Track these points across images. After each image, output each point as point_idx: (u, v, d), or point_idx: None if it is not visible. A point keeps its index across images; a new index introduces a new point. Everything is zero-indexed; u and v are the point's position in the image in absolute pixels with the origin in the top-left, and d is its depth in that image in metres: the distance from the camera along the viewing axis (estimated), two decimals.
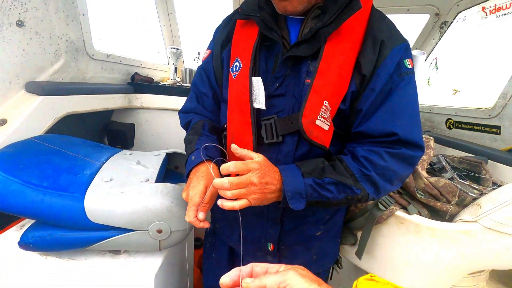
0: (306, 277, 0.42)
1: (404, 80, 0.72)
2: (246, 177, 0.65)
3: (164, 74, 2.26)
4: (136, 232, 0.91)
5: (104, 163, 1.08)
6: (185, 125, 0.95)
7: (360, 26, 0.72)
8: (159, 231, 0.92)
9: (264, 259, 0.91)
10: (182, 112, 0.98)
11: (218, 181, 0.65)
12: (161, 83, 2.05)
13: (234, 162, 0.65)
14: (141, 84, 1.91)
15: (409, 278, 0.89)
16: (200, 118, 0.91)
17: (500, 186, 1.02)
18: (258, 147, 0.77)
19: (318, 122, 0.70)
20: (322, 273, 0.99)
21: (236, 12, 0.89)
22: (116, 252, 0.99)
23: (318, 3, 0.75)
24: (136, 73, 1.90)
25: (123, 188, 0.94)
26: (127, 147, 1.97)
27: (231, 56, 0.84)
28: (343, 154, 0.79)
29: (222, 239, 1.02)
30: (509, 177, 1.24)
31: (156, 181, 1.02)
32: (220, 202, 0.66)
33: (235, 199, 0.66)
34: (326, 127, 0.72)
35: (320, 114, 0.69)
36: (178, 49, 1.99)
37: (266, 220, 0.87)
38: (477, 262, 0.80)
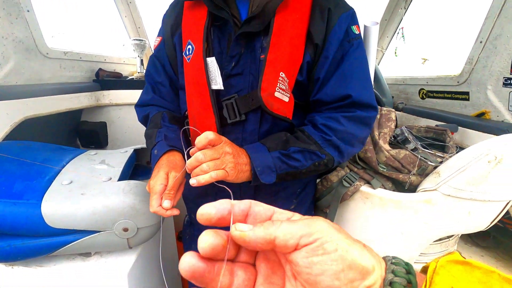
0: (343, 233, 0.26)
1: (353, 45, 0.75)
2: (219, 147, 0.63)
3: (133, 68, 2.18)
4: (101, 233, 0.89)
5: (64, 166, 1.04)
6: (143, 119, 0.92)
7: None
8: (125, 230, 0.90)
9: None
10: (138, 106, 0.94)
11: (192, 158, 0.62)
12: (130, 77, 1.98)
13: (207, 132, 0.62)
14: (107, 80, 1.84)
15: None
16: (158, 110, 0.88)
17: (460, 148, 1.02)
18: (222, 129, 0.77)
19: (277, 94, 0.71)
20: None
21: None
22: (86, 254, 0.98)
23: None
24: (100, 69, 1.83)
25: (84, 190, 0.91)
26: (101, 146, 1.92)
27: (183, 39, 0.82)
28: (303, 125, 0.80)
29: (200, 228, 1.00)
30: (478, 141, 1.25)
31: (120, 179, 0.99)
32: (193, 181, 0.63)
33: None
34: (286, 99, 0.73)
35: (278, 86, 0.71)
36: (142, 40, 1.91)
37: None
38: (441, 229, 0.81)
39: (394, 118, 0.90)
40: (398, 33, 1.64)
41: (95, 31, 1.91)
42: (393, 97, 1.91)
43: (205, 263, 0.29)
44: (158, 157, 0.74)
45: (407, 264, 0.27)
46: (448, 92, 1.53)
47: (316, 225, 0.25)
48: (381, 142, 0.85)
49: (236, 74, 0.76)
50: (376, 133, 0.88)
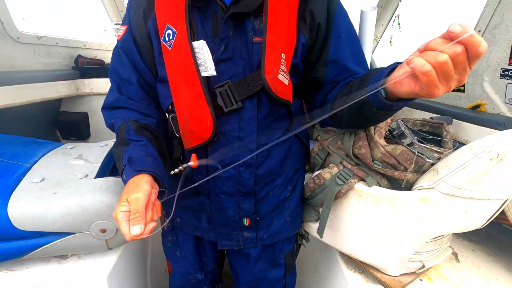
0: None
1: (353, 27, 0.78)
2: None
3: None
4: (76, 234, 0.82)
5: (36, 161, 0.96)
6: (110, 127, 0.82)
7: None
8: (103, 231, 0.83)
9: (240, 236, 0.87)
10: (104, 109, 0.84)
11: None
12: None
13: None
14: (87, 67, 1.73)
15: (372, 250, 0.87)
16: (123, 119, 0.78)
17: (459, 144, 0.99)
18: (217, 119, 0.71)
19: (280, 76, 0.69)
20: (293, 237, 0.98)
21: None
22: (62, 256, 0.91)
23: None
24: (79, 56, 1.71)
25: (56, 188, 0.83)
26: (82, 138, 1.83)
27: (158, 24, 0.73)
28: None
29: (187, 232, 0.94)
30: (473, 135, 1.22)
31: (98, 176, 0.92)
32: None
33: None
34: (286, 82, 0.71)
35: (281, 67, 0.68)
36: None
37: (238, 196, 0.82)
38: (437, 228, 0.77)
39: None
40: (394, 21, 1.58)
41: (72, 14, 1.78)
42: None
43: None
44: (125, 183, 0.66)
45: None
46: None
47: None
48: (376, 137, 0.80)
49: (226, 59, 0.71)
50: (371, 128, 0.82)
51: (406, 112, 1.62)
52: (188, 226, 0.92)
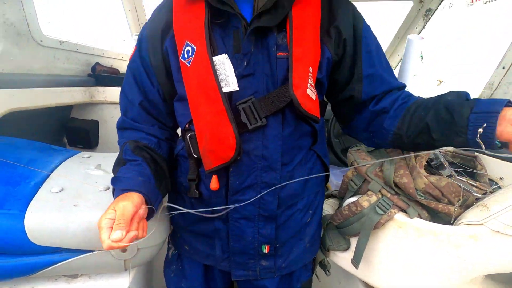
0: None
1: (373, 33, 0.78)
2: None
3: None
4: (94, 252, 0.76)
5: (54, 169, 0.90)
6: (121, 143, 0.82)
7: None
8: (124, 250, 0.76)
9: (257, 266, 0.80)
10: (117, 129, 0.84)
11: None
12: None
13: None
14: (103, 75, 1.70)
15: (406, 286, 0.82)
16: (127, 139, 0.78)
17: (494, 182, 0.97)
18: (240, 137, 0.67)
19: (308, 91, 0.67)
20: (309, 265, 0.92)
21: None
22: (72, 276, 0.83)
23: None
24: (97, 63, 1.69)
25: (77, 200, 0.77)
26: (90, 147, 1.77)
27: (177, 42, 0.71)
28: (405, 102, 0.75)
29: (195, 260, 0.87)
30: (496, 169, 1.21)
31: None
32: None
33: None
34: (313, 97, 0.70)
35: (309, 82, 0.67)
36: None
37: (258, 221, 0.76)
38: (482, 267, 0.73)
39: None
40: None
41: (95, 22, 1.78)
42: None
43: None
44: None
45: None
46: None
47: None
48: (418, 167, 0.77)
49: (248, 74, 0.68)
50: (413, 156, 0.80)
51: None
52: (198, 254, 0.85)
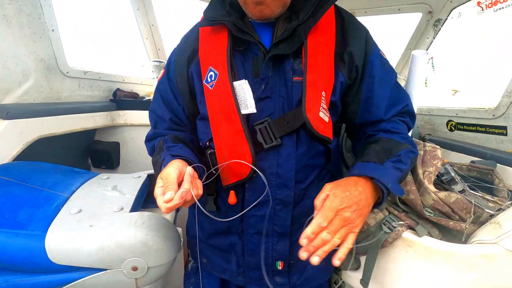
0: None
1: (389, 68, 0.81)
2: (340, 219, 0.59)
3: (150, 88, 2.16)
4: (107, 271, 0.80)
5: (74, 191, 0.97)
6: (151, 151, 0.88)
7: (331, 19, 0.76)
8: (134, 269, 0.80)
9: (272, 281, 0.81)
10: (146, 142, 0.92)
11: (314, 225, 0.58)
12: (146, 98, 1.96)
13: (320, 214, 0.58)
14: (124, 100, 1.81)
15: None
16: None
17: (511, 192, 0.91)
18: (256, 156, 0.71)
19: (320, 114, 0.70)
20: (324, 284, 0.91)
21: (196, 25, 0.85)
22: None
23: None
24: (118, 89, 1.81)
25: (92, 221, 0.82)
26: (112, 167, 1.86)
27: (201, 67, 0.78)
28: (369, 136, 0.81)
29: (213, 274, 0.90)
30: None
31: (132, 210, 0.91)
32: (304, 254, 0.60)
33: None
34: (326, 119, 0.73)
35: (321, 105, 0.70)
36: (162, 62, 1.91)
37: (272, 237, 0.78)
38: None
39: (440, 156, 0.81)
40: (428, 63, 1.59)
41: (115, 50, 1.92)
42: (417, 127, 1.82)
43: None
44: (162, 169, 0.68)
45: None
46: (481, 126, 1.43)
47: None
48: (426, 183, 0.75)
49: (265, 97, 0.74)
50: (420, 171, 0.78)
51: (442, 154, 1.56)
52: (215, 268, 0.88)
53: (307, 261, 0.83)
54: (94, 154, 1.83)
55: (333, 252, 0.91)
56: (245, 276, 0.82)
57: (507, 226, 0.65)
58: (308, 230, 0.57)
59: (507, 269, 0.65)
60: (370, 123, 0.81)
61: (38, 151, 1.30)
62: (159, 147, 0.79)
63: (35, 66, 1.24)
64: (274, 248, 0.79)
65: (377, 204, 0.67)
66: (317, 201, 0.62)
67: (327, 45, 0.73)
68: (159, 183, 0.63)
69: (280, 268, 0.80)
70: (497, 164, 1.24)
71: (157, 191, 0.61)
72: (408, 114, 0.83)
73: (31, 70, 1.22)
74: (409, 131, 0.82)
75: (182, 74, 0.83)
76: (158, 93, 0.90)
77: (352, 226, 0.60)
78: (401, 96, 0.81)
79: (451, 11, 1.51)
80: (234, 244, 0.82)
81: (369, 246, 0.77)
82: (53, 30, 1.26)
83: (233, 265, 0.83)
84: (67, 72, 1.41)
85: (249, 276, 0.82)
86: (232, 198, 0.77)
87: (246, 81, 0.72)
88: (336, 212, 0.58)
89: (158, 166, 0.72)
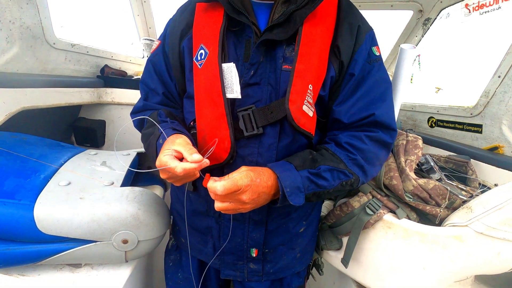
0: None
1: (374, 67, 0.73)
2: (237, 199, 0.61)
3: (138, 67, 2.11)
4: (97, 243, 0.80)
5: (62, 164, 0.95)
6: (138, 124, 0.85)
7: (332, 9, 0.72)
8: (125, 242, 0.81)
9: (245, 267, 0.83)
10: (133, 113, 0.87)
11: (211, 184, 0.60)
12: (135, 77, 1.91)
13: (221, 183, 0.59)
14: (112, 77, 1.76)
15: (395, 285, 0.85)
16: (152, 111, 0.81)
17: (486, 187, 0.99)
18: (236, 142, 0.71)
19: (304, 107, 0.67)
20: (302, 272, 0.94)
21: None
22: (76, 265, 0.88)
23: None
24: (106, 66, 1.75)
25: (83, 193, 0.82)
26: (97, 145, 1.82)
27: (193, 44, 0.75)
28: (324, 143, 0.77)
29: (191, 254, 0.90)
30: (491, 176, 1.23)
31: (123, 185, 0.91)
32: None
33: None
34: (311, 114, 0.69)
35: (306, 99, 0.67)
36: (153, 40, 1.86)
37: (248, 224, 0.79)
38: (466, 268, 0.76)
39: (421, 146, 0.86)
40: (414, 60, 1.65)
41: (104, 25, 1.85)
42: (401, 122, 1.90)
43: None
44: (161, 146, 0.67)
45: None
46: (460, 123, 1.52)
47: None
48: (407, 170, 0.81)
49: (254, 83, 0.71)
50: (402, 159, 0.83)
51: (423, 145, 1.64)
52: (193, 249, 0.89)
53: (282, 252, 0.86)
54: (78, 131, 1.79)
55: (311, 246, 0.95)
56: (220, 259, 0.84)
57: (477, 210, 0.71)
58: (204, 183, 0.62)
59: (474, 249, 0.72)
60: (332, 121, 0.77)
61: (19, 124, 1.25)
62: (153, 120, 0.75)
63: (20, 34, 1.18)
64: (249, 236, 0.80)
65: (273, 202, 0.68)
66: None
67: (323, 36, 0.70)
68: (166, 151, 0.61)
69: (254, 255, 0.81)
70: (471, 159, 1.34)
71: (165, 157, 0.60)
72: (379, 127, 0.73)
73: (16, 38, 1.16)
74: (385, 146, 0.74)
75: (174, 48, 0.79)
76: (151, 64, 0.84)
77: (240, 210, 0.63)
78: (373, 104, 0.73)
79: (440, 11, 1.57)
80: (211, 227, 0.83)
81: (353, 226, 0.82)
82: None
83: (209, 247, 0.84)
84: (54, 43, 1.35)
85: (224, 260, 0.83)
86: (205, 181, 0.75)
87: (234, 64, 0.69)
88: (237, 190, 0.60)
89: (155, 138, 0.70)
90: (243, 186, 0.60)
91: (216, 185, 0.59)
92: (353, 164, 0.71)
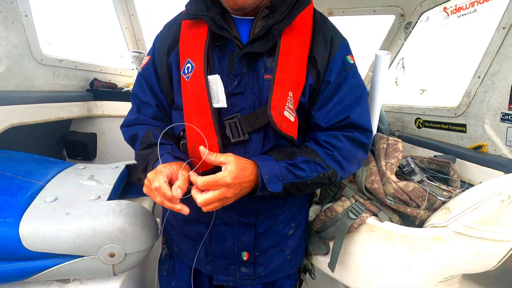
0: None
1: (349, 74, 0.79)
2: (220, 193, 0.64)
3: (129, 79, 2.13)
4: (84, 258, 0.81)
5: (50, 180, 0.96)
6: (130, 139, 0.87)
7: (308, 22, 0.77)
8: (112, 255, 0.82)
9: (237, 271, 0.84)
10: (124, 126, 0.90)
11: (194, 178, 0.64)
12: (125, 89, 1.93)
13: (202, 178, 0.64)
14: (101, 90, 1.78)
15: (382, 287, 0.86)
16: (146, 128, 0.84)
17: (468, 184, 1.01)
18: (224, 149, 0.74)
19: (285, 113, 0.71)
20: (294, 275, 0.95)
21: (179, 15, 0.86)
22: (64, 281, 0.88)
23: (265, 3, 0.77)
24: (95, 79, 1.77)
25: (69, 209, 0.83)
26: (88, 158, 1.83)
27: (180, 58, 0.79)
28: (305, 141, 0.82)
29: (184, 262, 0.92)
30: (476, 175, 1.25)
31: (110, 198, 0.92)
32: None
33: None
34: (292, 119, 0.74)
35: (287, 105, 0.71)
36: (141, 52, 1.89)
37: (238, 227, 0.81)
38: (449, 268, 0.77)
39: (401, 149, 0.88)
40: (398, 63, 1.69)
41: (93, 39, 1.87)
42: (389, 124, 1.92)
43: None
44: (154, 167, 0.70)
45: None
46: (445, 123, 1.54)
47: None
48: (388, 173, 0.82)
49: (238, 93, 0.75)
50: (383, 163, 0.85)
51: (409, 149, 1.67)
52: (185, 256, 0.90)
53: (273, 254, 0.88)
54: (69, 145, 1.79)
55: (301, 248, 0.96)
56: (212, 265, 0.85)
57: (454, 210, 0.73)
58: (187, 174, 0.66)
59: (454, 249, 0.73)
60: (312, 126, 0.81)
61: (8, 141, 1.26)
62: (147, 142, 0.79)
63: (6, 52, 1.19)
64: (240, 239, 0.82)
65: (253, 192, 0.71)
66: (211, 157, 0.67)
67: (300, 47, 0.75)
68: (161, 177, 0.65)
69: (245, 258, 0.83)
70: (457, 159, 1.36)
71: (162, 183, 0.64)
72: (355, 128, 0.78)
73: (2, 56, 1.18)
74: (362, 146, 0.78)
75: (162, 62, 0.84)
76: (142, 78, 0.88)
77: (223, 204, 0.66)
78: (349, 108, 0.77)
79: (420, 15, 1.61)
80: (202, 233, 0.84)
81: (337, 231, 0.83)
82: (26, 16, 1.22)
83: (201, 254, 0.86)
84: (41, 60, 1.37)
85: (216, 265, 0.84)
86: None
87: (219, 76, 0.74)
88: (220, 186, 0.64)
89: (153, 160, 0.74)
90: (225, 184, 0.64)
91: (196, 179, 0.64)
92: (330, 160, 0.76)
